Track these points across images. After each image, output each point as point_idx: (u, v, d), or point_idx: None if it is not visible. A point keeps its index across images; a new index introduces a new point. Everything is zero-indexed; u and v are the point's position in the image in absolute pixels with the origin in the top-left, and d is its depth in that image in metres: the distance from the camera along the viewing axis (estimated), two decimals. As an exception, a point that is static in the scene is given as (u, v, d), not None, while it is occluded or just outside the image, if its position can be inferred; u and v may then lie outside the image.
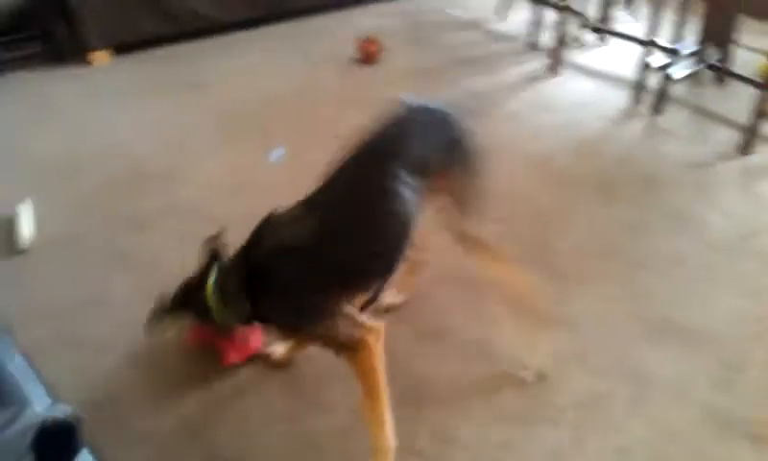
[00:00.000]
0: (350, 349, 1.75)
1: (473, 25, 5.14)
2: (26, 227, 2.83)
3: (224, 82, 4.34)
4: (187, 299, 1.91)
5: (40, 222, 2.91)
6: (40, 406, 1.16)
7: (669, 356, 2.23)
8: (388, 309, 2.40)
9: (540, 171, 3.28)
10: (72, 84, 4.35)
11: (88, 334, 2.35)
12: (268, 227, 1.82)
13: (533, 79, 4.29)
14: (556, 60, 4.32)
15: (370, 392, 1.77)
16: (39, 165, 3.43)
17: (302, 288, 1.75)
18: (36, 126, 3.83)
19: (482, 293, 2.44)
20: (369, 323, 1.78)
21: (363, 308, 1.88)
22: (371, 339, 1.75)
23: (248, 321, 1.86)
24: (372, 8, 5.48)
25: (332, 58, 4.63)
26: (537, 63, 4.47)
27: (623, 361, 2.22)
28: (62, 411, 1.13)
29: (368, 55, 4.46)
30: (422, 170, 1.89)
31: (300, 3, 5.24)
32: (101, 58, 4.60)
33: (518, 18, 5.09)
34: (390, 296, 2.41)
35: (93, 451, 1.21)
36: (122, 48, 4.68)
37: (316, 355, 2.20)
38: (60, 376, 1.49)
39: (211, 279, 1.84)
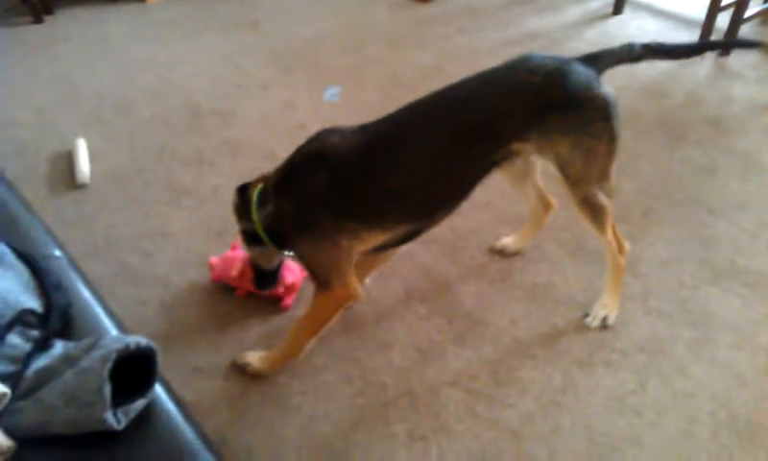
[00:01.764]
0: (322, 284, 1.80)
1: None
2: (84, 162, 2.85)
3: (276, 19, 4.28)
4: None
5: (98, 157, 2.93)
6: (114, 337, 1.16)
7: (734, 301, 2.17)
8: (501, 251, 2.39)
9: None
10: (126, 21, 4.34)
11: (148, 269, 2.36)
12: (315, 138, 1.83)
13: (596, 17, 4.15)
14: (619, -1, 4.16)
15: (310, 325, 1.85)
16: (95, 101, 3.44)
17: (318, 196, 1.75)
18: (91, 62, 3.84)
19: (544, 235, 2.39)
20: (352, 281, 1.81)
21: (377, 250, 1.90)
22: (341, 293, 1.79)
23: (273, 235, 1.87)
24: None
25: (385, -6, 4.54)
26: (598, 2, 4.31)
27: (687, 305, 2.16)
28: (138, 342, 1.12)
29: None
30: (497, 133, 1.78)
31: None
32: (155, -4, 4.57)
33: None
34: (507, 239, 2.39)
35: (163, 386, 1.22)
36: (175, -15, 4.65)
37: (375, 297, 2.21)
38: (120, 310, 1.50)
39: (255, 193, 1.87)
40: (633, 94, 3.32)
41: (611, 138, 1.80)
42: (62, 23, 4.33)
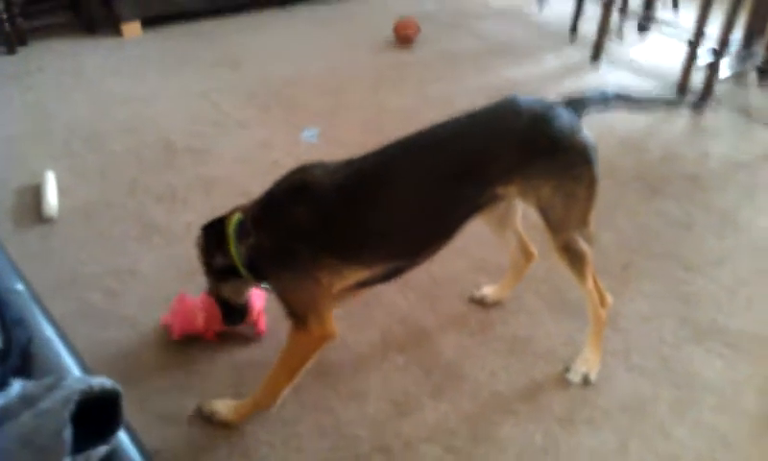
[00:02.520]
0: (299, 322, 1.74)
1: (512, 13, 5.03)
2: (52, 195, 2.76)
3: (256, 58, 4.25)
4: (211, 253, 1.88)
5: (67, 191, 2.85)
6: (77, 377, 1.08)
7: (717, 362, 2.13)
8: (481, 300, 2.33)
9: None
10: (102, 55, 4.28)
11: (114, 308, 2.28)
12: (298, 170, 1.79)
13: (573, 70, 4.17)
14: (597, 52, 4.20)
15: (286, 367, 1.78)
16: (66, 134, 3.35)
17: (299, 230, 1.71)
18: (65, 95, 3.76)
19: (524, 286, 2.34)
20: (330, 320, 1.76)
21: (355, 289, 1.84)
22: (317, 332, 1.74)
23: (249, 264, 1.80)
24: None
25: (366, 38, 4.53)
26: (577, 54, 4.35)
27: (669, 363, 2.12)
28: (102, 383, 1.04)
29: (404, 37, 4.36)
30: (482, 177, 1.75)
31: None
32: (132, 29, 4.52)
33: (558, 8, 4.97)
34: (487, 288, 2.35)
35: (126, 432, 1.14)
36: (154, 21, 4.60)
37: (350, 344, 2.14)
38: (83, 350, 1.41)
39: (232, 226, 1.81)
40: (611, 147, 3.32)
41: (591, 182, 1.79)
42: (37, 54, 4.27)
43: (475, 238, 2.50)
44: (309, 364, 1.78)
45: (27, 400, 1.02)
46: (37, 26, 4.50)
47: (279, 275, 1.76)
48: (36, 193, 2.82)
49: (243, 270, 1.80)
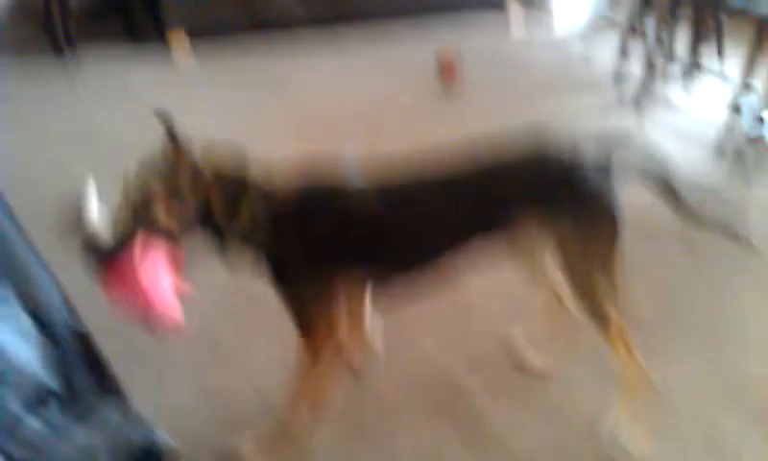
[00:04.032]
0: (306, 331, 1.71)
1: (556, 50, 5.01)
2: (94, 206, 2.79)
3: (300, 82, 4.28)
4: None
5: (109, 202, 2.87)
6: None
7: (758, 435, 2.08)
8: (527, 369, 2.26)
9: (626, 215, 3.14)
10: (148, 67, 4.34)
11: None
12: (330, 177, 1.73)
13: (615, 112, 4.14)
14: (640, 96, 4.17)
15: (297, 386, 1.76)
16: (110, 146, 3.40)
17: (323, 236, 1.66)
18: (110, 106, 3.82)
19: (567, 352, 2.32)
20: (337, 323, 1.73)
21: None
22: (324, 335, 1.72)
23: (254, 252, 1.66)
24: (455, 18, 5.37)
25: (410, 71, 4.56)
26: (622, 94, 4.32)
27: (707, 433, 2.08)
28: (164, 440, 1.05)
29: (448, 72, 4.36)
30: (508, 213, 1.74)
31: (381, 6, 5.14)
32: (179, 43, 4.58)
33: (603, 48, 4.94)
34: (532, 356, 2.26)
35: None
36: (201, 35, 4.65)
37: (379, 390, 2.13)
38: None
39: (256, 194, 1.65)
40: (649, 198, 3.28)
41: (616, 239, 1.77)
42: (85, 63, 4.33)
43: (504, 276, 2.49)
44: (324, 392, 1.76)
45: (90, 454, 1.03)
46: (88, 35, 4.56)
47: (296, 283, 1.70)
48: (80, 204, 2.85)
49: (238, 241, 1.63)
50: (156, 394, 2.06)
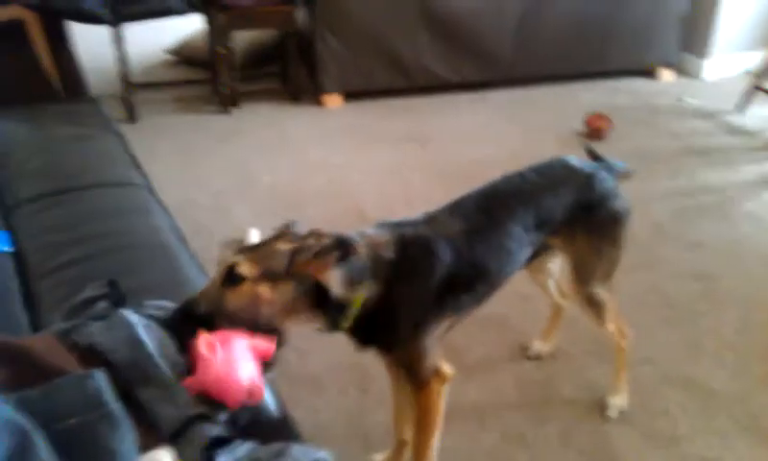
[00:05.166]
0: (421, 382, 1.70)
1: (709, 115, 4.85)
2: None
3: (444, 139, 4.39)
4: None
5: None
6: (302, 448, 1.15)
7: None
8: (538, 356, 2.49)
9: (781, 280, 3.00)
10: (304, 122, 4.59)
11: (301, 369, 2.39)
12: (421, 224, 1.72)
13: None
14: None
15: (426, 423, 1.75)
16: (269, 193, 3.63)
17: (434, 287, 1.64)
18: (269, 155, 4.07)
19: (717, 405, 2.23)
20: (444, 366, 1.72)
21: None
22: (438, 384, 1.71)
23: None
24: (600, 83, 5.34)
25: (554, 129, 4.55)
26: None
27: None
28: (325, 458, 1.10)
29: (595, 130, 4.33)
30: (546, 226, 1.86)
31: (526, 71, 5.20)
32: (334, 101, 4.82)
33: (761, 113, 4.75)
34: (539, 344, 2.50)
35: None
36: (354, 94, 4.88)
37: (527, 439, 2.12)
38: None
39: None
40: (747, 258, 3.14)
41: (620, 245, 1.97)
42: (247, 116, 4.65)
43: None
44: (442, 413, 1.75)
45: None
46: (249, 91, 4.92)
47: (412, 337, 1.65)
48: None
49: (347, 320, 1.54)
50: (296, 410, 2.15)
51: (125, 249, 1.92)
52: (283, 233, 1.53)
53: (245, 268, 1.40)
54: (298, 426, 1.40)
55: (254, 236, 3.05)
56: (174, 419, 1.15)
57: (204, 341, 1.24)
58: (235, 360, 1.22)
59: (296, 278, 1.43)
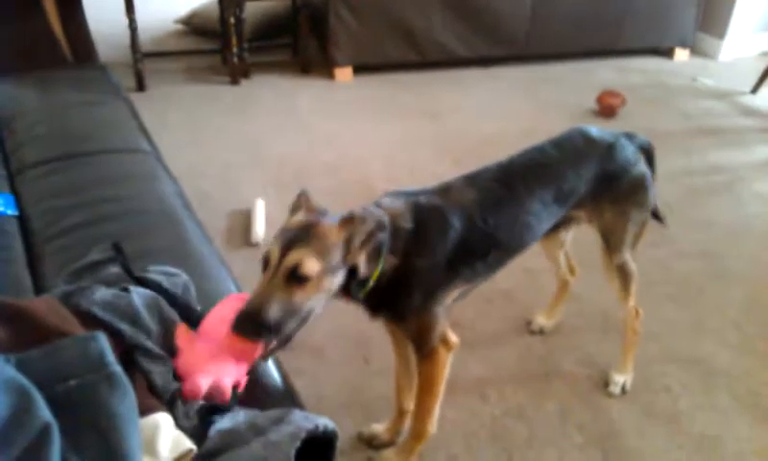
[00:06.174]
0: (428, 351, 1.70)
1: (723, 95, 4.81)
2: (260, 222, 2.98)
3: (455, 113, 4.37)
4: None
5: (273, 220, 3.05)
6: (303, 414, 1.14)
7: None
8: (541, 331, 2.50)
9: (790, 262, 2.98)
10: (314, 95, 4.58)
11: (305, 338, 2.40)
12: (436, 194, 1.70)
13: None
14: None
15: (429, 389, 1.76)
16: (277, 166, 3.62)
17: (447, 257, 1.62)
18: (278, 128, 4.06)
19: (717, 383, 2.24)
20: (450, 335, 1.73)
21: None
22: (444, 354, 1.71)
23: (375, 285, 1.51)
24: (614, 61, 5.30)
25: (566, 105, 4.52)
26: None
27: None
28: (326, 425, 1.10)
29: (607, 107, 4.30)
30: (568, 199, 1.85)
31: (540, 48, 5.16)
32: (344, 74, 4.81)
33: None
34: (543, 319, 2.50)
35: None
36: (365, 68, 4.87)
37: (527, 413, 2.12)
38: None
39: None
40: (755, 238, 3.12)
41: (647, 208, 2.00)
42: (257, 88, 4.64)
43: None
44: (444, 379, 1.75)
45: (255, 429, 1.09)
46: (260, 62, 4.91)
47: (421, 306, 1.63)
48: (247, 218, 3.05)
49: (364, 290, 1.49)
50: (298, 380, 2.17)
51: (130, 214, 1.90)
52: (308, 208, 1.50)
53: (311, 266, 1.33)
54: (299, 396, 1.40)
55: (260, 207, 3.05)
56: (170, 388, 1.15)
57: (182, 333, 1.23)
58: (202, 360, 1.18)
59: (347, 265, 1.41)
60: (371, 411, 2.14)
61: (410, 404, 1.94)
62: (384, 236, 1.47)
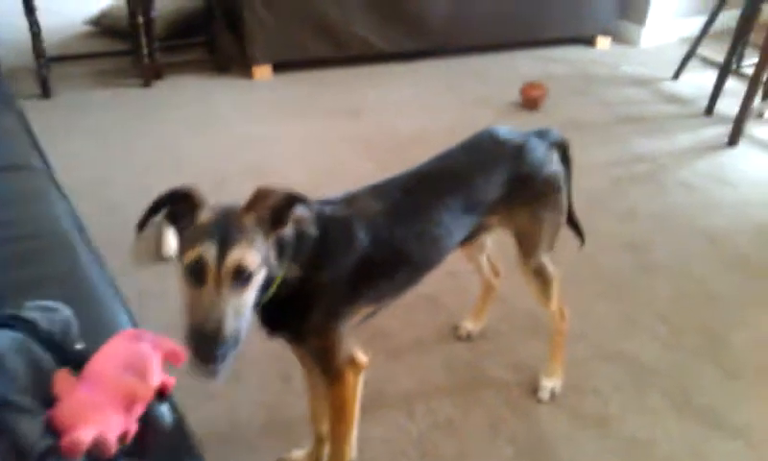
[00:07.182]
0: (335, 374, 1.58)
1: (645, 83, 4.83)
2: (173, 234, 2.80)
3: (377, 111, 4.26)
4: None
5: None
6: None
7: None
8: (468, 336, 2.41)
9: (713, 250, 2.97)
10: (232, 95, 4.41)
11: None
12: (343, 204, 1.62)
13: (708, 147, 3.94)
14: (736, 133, 3.93)
15: (340, 416, 1.65)
16: (194, 170, 3.45)
17: (352, 271, 1.52)
18: (194, 131, 3.89)
19: (648, 384, 2.19)
20: (358, 356, 1.62)
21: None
22: (352, 376, 1.61)
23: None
24: (536, 52, 5.27)
25: (490, 99, 4.46)
26: (713, 132, 4.11)
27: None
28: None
29: (530, 100, 4.26)
30: (479, 207, 1.78)
31: (462, 41, 5.09)
32: (263, 72, 4.64)
33: (695, 81, 4.74)
34: (469, 324, 2.41)
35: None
36: (284, 65, 4.71)
37: (455, 425, 2.04)
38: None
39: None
40: (745, 234, 3.09)
41: (561, 209, 1.94)
42: (171, 90, 4.44)
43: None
44: (356, 404, 1.65)
45: None
46: (174, 62, 4.69)
47: (324, 324, 1.53)
48: (159, 230, 2.88)
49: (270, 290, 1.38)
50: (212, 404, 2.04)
51: (18, 239, 1.75)
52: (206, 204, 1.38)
53: (253, 259, 1.24)
54: (195, 440, 1.26)
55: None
56: (40, 446, 1.01)
57: (61, 379, 1.06)
58: (85, 409, 1.02)
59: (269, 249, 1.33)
60: (291, 434, 2.01)
61: (327, 430, 1.82)
62: (286, 237, 1.37)
